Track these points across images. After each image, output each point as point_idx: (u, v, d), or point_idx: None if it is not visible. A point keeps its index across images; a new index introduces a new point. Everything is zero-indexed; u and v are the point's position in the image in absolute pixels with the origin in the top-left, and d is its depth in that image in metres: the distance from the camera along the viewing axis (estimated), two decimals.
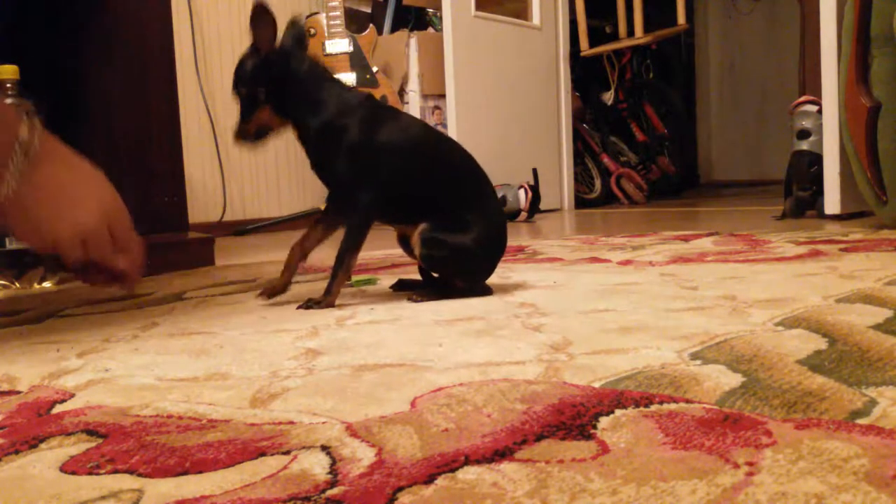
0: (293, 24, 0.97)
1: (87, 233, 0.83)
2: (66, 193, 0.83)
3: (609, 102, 3.58)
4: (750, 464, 0.38)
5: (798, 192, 2.06)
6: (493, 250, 0.99)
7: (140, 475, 0.41)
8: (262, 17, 0.93)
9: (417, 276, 1.05)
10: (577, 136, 3.32)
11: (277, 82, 0.95)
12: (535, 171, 2.60)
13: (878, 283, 0.92)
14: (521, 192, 2.55)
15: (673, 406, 0.48)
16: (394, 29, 2.98)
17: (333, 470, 0.41)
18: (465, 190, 0.97)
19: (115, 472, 0.42)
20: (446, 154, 1.00)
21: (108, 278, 0.98)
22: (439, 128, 2.83)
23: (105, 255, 0.86)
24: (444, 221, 0.94)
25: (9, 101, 1.28)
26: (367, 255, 1.54)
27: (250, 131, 0.97)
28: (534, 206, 2.56)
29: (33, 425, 0.51)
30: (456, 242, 0.93)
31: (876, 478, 0.36)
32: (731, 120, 4.95)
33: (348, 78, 2.63)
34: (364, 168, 0.93)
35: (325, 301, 0.94)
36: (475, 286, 0.98)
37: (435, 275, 1.01)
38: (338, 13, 2.62)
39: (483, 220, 0.96)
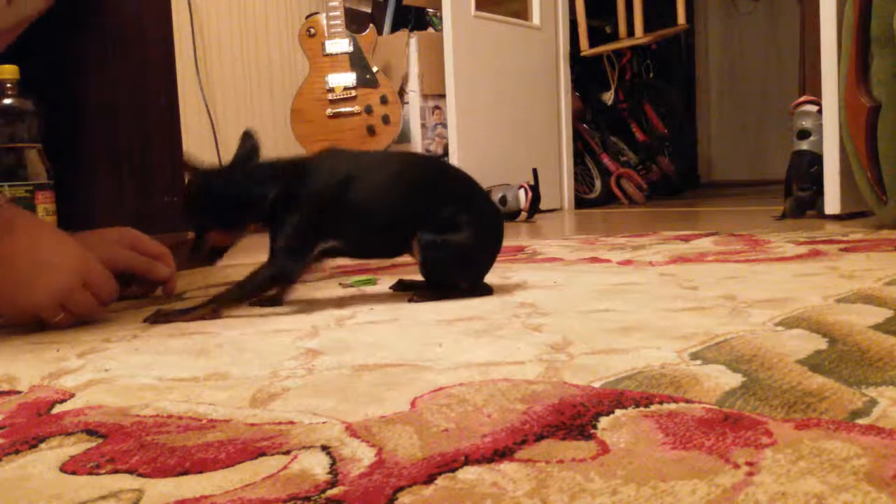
0: (246, 136, 0.96)
1: (63, 294, 0.84)
2: (33, 262, 0.84)
3: (609, 102, 3.58)
4: (750, 464, 0.38)
5: (798, 192, 2.06)
6: (490, 247, 0.99)
7: (140, 475, 0.41)
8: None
9: (418, 277, 1.05)
10: (577, 136, 3.32)
11: (224, 202, 0.93)
12: (535, 171, 2.60)
13: (878, 283, 0.92)
14: (521, 192, 2.55)
15: (673, 406, 0.48)
16: (394, 29, 2.98)
17: (333, 470, 0.41)
18: (452, 197, 0.96)
19: (115, 472, 0.42)
20: (420, 177, 0.98)
21: (148, 287, 1.01)
22: (439, 128, 2.83)
23: (88, 310, 0.87)
24: (439, 227, 0.93)
25: (8, 101, 1.28)
26: None
27: (204, 252, 0.96)
28: (534, 206, 2.56)
29: (33, 425, 0.51)
30: (455, 242, 0.93)
31: (876, 478, 0.36)
32: (731, 120, 4.95)
33: (348, 78, 2.63)
34: (314, 228, 0.92)
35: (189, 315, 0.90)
36: (477, 285, 0.98)
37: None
38: (338, 13, 2.62)
39: (476, 219, 0.95)
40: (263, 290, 0.91)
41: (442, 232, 0.93)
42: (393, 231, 0.95)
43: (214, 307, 0.90)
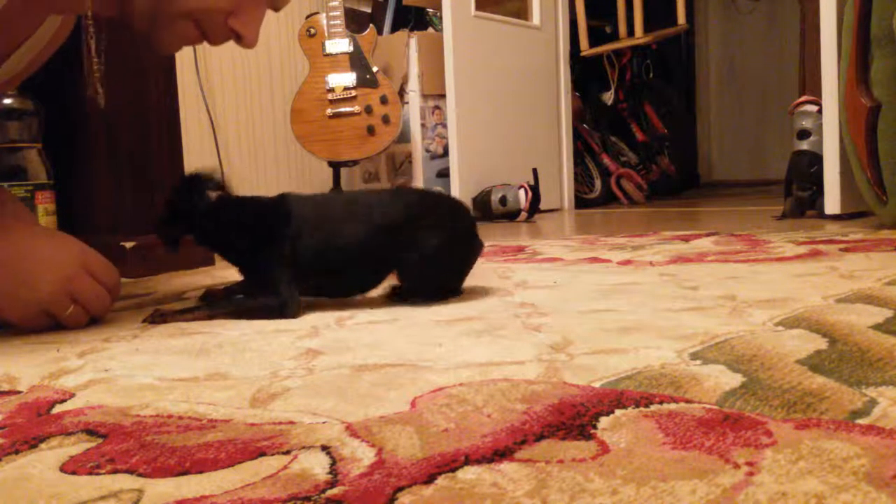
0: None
1: (67, 283, 0.83)
2: (32, 259, 0.83)
3: (609, 102, 3.58)
4: (750, 464, 0.38)
5: (798, 192, 2.06)
6: (463, 250, 0.98)
7: (140, 475, 0.41)
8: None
9: None
10: (577, 136, 3.32)
11: (210, 228, 0.94)
12: (535, 171, 2.60)
13: (878, 283, 0.92)
14: (521, 192, 2.55)
15: (673, 406, 0.48)
16: (394, 29, 2.98)
17: (333, 470, 0.41)
18: (414, 221, 0.94)
19: (115, 472, 0.42)
20: (378, 212, 0.96)
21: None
22: (439, 128, 2.83)
23: (96, 297, 0.86)
24: (411, 245, 0.92)
25: (8, 101, 1.28)
26: None
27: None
28: (534, 206, 2.56)
29: (33, 425, 0.51)
30: (429, 253, 0.92)
31: (876, 478, 0.36)
32: (731, 120, 4.95)
33: (348, 78, 2.62)
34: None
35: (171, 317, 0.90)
36: (453, 286, 0.98)
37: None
38: (338, 13, 2.62)
39: (440, 227, 0.94)
40: (263, 318, 0.90)
41: (415, 251, 0.92)
42: (367, 269, 0.95)
43: (210, 314, 0.90)
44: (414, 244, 0.92)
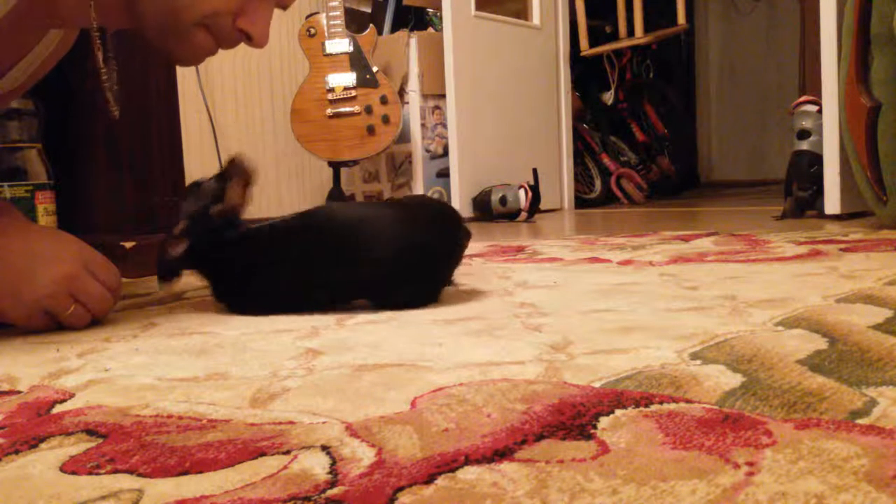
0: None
1: (68, 281, 0.83)
2: (31, 256, 0.82)
3: (609, 102, 3.58)
4: (750, 464, 0.38)
5: (798, 192, 2.06)
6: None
7: (140, 475, 0.41)
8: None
9: None
10: (577, 136, 3.32)
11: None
12: (535, 171, 2.60)
13: (878, 283, 0.92)
14: (521, 192, 2.55)
15: (673, 406, 0.48)
16: (394, 29, 2.98)
17: (333, 470, 0.41)
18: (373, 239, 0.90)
19: (115, 472, 0.42)
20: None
21: None
22: (439, 128, 2.83)
23: (99, 297, 0.85)
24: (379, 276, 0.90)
25: None
26: None
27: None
28: (534, 206, 2.56)
29: (33, 425, 0.51)
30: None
31: (876, 478, 0.36)
32: (731, 120, 4.95)
33: (348, 78, 2.62)
34: None
35: None
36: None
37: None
38: (338, 13, 2.62)
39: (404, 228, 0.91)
40: None
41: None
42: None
43: None
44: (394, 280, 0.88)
